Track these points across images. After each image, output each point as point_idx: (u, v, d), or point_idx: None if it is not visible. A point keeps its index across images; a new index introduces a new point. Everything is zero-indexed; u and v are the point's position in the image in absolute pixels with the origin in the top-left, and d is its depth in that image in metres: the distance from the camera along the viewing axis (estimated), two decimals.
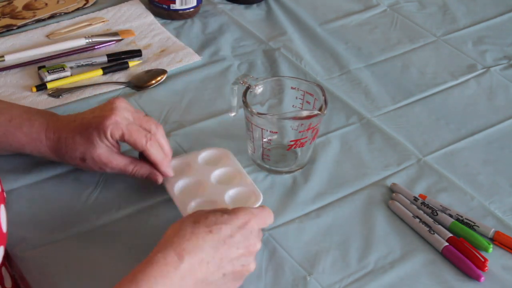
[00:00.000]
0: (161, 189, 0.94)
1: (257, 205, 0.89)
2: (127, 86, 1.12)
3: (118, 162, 0.91)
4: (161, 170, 0.91)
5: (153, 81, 1.13)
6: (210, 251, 0.75)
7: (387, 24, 1.33)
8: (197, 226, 0.76)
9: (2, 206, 0.78)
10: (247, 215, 0.79)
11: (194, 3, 1.25)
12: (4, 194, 0.82)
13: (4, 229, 0.78)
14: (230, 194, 0.90)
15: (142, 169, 0.92)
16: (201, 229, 0.75)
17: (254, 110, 0.94)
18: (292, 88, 1.00)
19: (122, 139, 0.88)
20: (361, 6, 1.37)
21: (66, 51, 1.18)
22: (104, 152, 0.89)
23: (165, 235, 0.76)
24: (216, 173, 0.94)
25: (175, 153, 0.99)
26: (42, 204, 0.92)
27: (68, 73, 1.12)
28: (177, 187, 0.92)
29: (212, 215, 0.77)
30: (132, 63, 1.16)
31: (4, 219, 0.78)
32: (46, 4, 1.29)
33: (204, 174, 0.94)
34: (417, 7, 1.38)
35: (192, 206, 0.88)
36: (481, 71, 1.22)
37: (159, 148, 0.90)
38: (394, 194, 0.96)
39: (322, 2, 1.38)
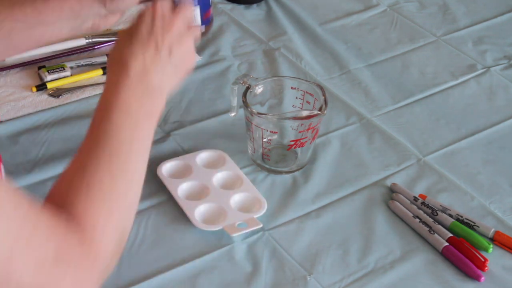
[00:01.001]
0: (162, 189, 0.94)
1: (262, 213, 0.91)
2: None
3: None
4: None
5: None
6: (142, 45, 0.78)
7: (387, 24, 1.33)
8: (120, 44, 0.79)
9: None
10: (149, 11, 0.81)
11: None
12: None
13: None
14: (235, 200, 0.92)
15: None
16: (123, 41, 0.79)
17: (254, 110, 0.94)
18: (292, 88, 1.00)
19: None
20: (361, 6, 1.37)
21: (66, 51, 1.18)
22: None
23: (107, 73, 0.79)
24: (218, 177, 0.95)
25: (175, 153, 0.99)
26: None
27: (68, 73, 1.12)
28: (180, 190, 0.93)
29: (128, 30, 0.80)
30: None
31: None
32: None
33: (205, 177, 0.95)
34: (417, 7, 1.38)
35: (200, 211, 0.90)
36: (481, 71, 1.22)
37: None
38: (394, 194, 0.96)
39: (322, 2, 1.38)
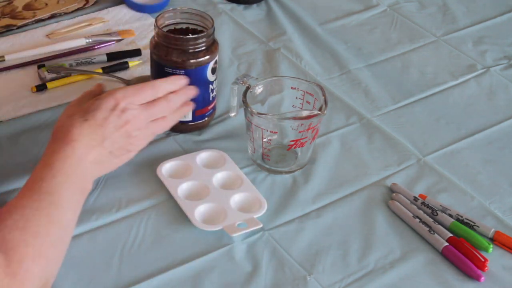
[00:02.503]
0: (162, 189, 0.94)
1: (262, 213, 0.90)
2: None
3: None
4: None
5: None
6: (91, 136, 0.84)
7: (387, 24, 1.33)
8: (73, 118, 0.85)
9: None
10: (113, 98, 0.87)
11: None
12: None
13: None
14: (235, 200, 0.92)
15: None
16: (77, 119, 0.85)
17: (254, 110, 0.94)
18: (292, 88, 1.00)
19: None
20: (361, 6, 1.37)
21: (66, 51, 1.18)
22: None
23: (52, 132, 0.86)
24: (218, 177, 0.95)
25: (175, 153, 0.99)
26: None
27: (67, 73, 1.12)
28: (180, 190, 0.93)
29: (86, 104, 0.87)
30: (132, 63, 1.16)
31: None
32: (46, 4, 1.29)
33: (205, 177, 0.95)
34: (417, 7, 1.38)
35: (200, 211, 0.90)
36: (481, 71, 1.22)
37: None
38: (394, 194, 0.96)
39: (322, 2, 1.38)
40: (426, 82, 1.18)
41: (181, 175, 0.95)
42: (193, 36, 0.98)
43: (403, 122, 1.09)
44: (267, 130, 0.95)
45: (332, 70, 1.20)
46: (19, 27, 1.23)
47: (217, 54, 1.00)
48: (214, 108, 1.05)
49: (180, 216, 0.90)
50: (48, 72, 1.11)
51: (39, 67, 1.13)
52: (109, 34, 1.23)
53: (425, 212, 0.93)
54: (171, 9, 1.02)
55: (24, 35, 1.22)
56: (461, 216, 0.92)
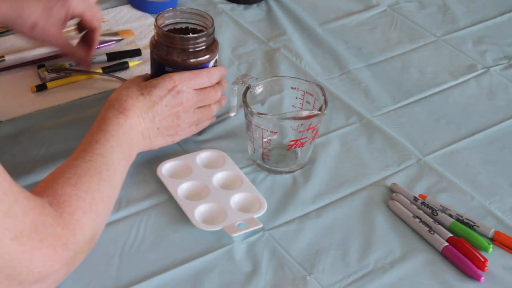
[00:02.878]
0: (162, 189, 0.94)
1: (262, 213, 0.90)
2: None
3: (63, 39, 1.04)
4: (89, 55, 1.08)
5: None
6: (144, 109, 0.91)
7: (387, 24, 1.33)
8: (130, 89, 0.92)
9: None
10: (172, 79, 0.94)
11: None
12: None
13: None
14: (235, 200, 0.92)
15: (80, 52, 1.07)
16: (134, 92, 0.92)
17: (254, 110, 0.94)
18: (292, 88, 1.00)
19: (81, 15, 1.03)
20: (361, 6, 1.37)
21: None
22: (56, 24, 1.01)
23: (108, 101, 0.92)
24: (218, 177, 0.95)
25: (175, 153, 0.99)
26: None
27: (67, 73, 1.12)
28: (180, 190, 0.93)
29: (145, 81, 0.94)
30: (132, 62, 1.16)
31: None
32: None
33: (205, 177, 0.95)
34: (417, 7, 1.38)
35: (200, 211, 0.90)
36: (481, 71, 1.22)
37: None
38: (394, 194, 0.96)
39: (322, 2, 1.38)
40: (426, 82, 1.18)
41: (181, 175, 0.95)
42: (193, 35, 0.98)
43: (403, 122, 1.09)
44: (267, 130, 0.95)
45: (332, 70, 1.20)
46: None
47: (217, 53, 1.00)
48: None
49: (180, 216, 0.90)
50: (48, 72, 1.11)
51: (39, 67, 1.13)
52: (109, 34, 1.23)
53: (425, 212, 0.93)
54: (170, 8, 1.02)
55: None
56: (461, 216, 0.92)
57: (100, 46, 1.20)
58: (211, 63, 0.99)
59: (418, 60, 1.24)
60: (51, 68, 1.12)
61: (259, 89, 0.99)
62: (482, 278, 0.85)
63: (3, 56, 1.15)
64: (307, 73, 1.18)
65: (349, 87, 1.16)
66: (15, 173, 0.95)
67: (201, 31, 1.00)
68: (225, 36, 1.26)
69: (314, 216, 0.93)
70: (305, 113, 0.93)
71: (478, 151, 1.05)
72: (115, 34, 1.23)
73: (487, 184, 0.99)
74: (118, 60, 1.16)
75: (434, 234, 0.90)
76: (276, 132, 0.97)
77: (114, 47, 1.20)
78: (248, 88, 0.97)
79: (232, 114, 1.03)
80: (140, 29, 1.25)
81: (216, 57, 1.00)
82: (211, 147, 1.00)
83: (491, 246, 0.89)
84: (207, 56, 0.98)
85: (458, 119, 1.11)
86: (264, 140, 0.97)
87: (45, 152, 0.99)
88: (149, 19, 1.28)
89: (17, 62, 1.14)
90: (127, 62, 1.15)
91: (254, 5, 1.35)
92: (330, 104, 0.97)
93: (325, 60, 1.22)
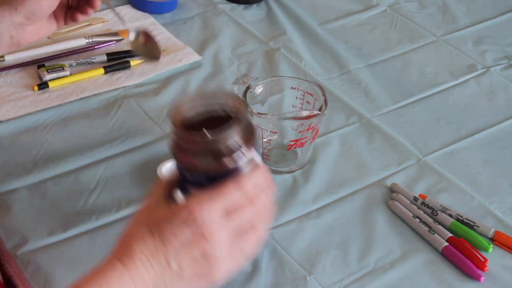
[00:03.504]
0: None
1: None
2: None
3: None
4: None
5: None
6: (153, 252, 0.66)
7: (387, 24, 1.33)
8: (140, 227, 0.68)
9: None
10: (187, 207, 0.68)
11: None
12: None
13: None
14: None
15: None
16: (142, 230, 0.68)
17: (254, 110, 0.94)
18: (292, 88, 1.00)
19: None
20: (361, 6, 1.37)
21: (66, 51, 1.18)
22: None
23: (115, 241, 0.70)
24: None
25: None
26: (42, 204, 0.92)
27: (67, 73, 1.12)
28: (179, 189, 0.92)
29: (159, 211, 0.69)
30: (134, 62, 1.16)
31: None
32: None
33: None
34: (417, 7, 1.38)
35: None
36: (481, 71, 1.22)
37: None
38: (394, 194, 0.96)
39: (322, 2, 1.38)
40: (426, 82, 1.18)
41: None
42: (224, 132, 0.66)
43: (403, 122, 1.09)
44: (267, 130, 0.95)
45: (332, 70, 1.20)
46: None
47: (255, 144, 0.70)
48: None
49: None
50: (48, 72, 1.11)
51: (39, 67, 1.13)
52: (109, 34, 1.23)
53: (425, 212, 0.93)
54: (186, 97, 0.73)
55: None
56: (461, 216, 0.92)
57: (100, 46, 1.20)
58: (246, 163, 0.68)
59: (418, 60, 1.24)
60: (51, 67, 1.12)
61: (259, 89, 0.99)
62: (482, 278, 0.85)
63: (3, 56, 1.15)
64: (307, 73, 1.18)
65: (349, 87, 1.16)
66: (15, 173, 0.95)
67: (228, 117, 0.70)
68: (225, 36, 1.26)
69: (314, 216, 0.93)
70: (305, 113, 0.93)
71: (478, 151, 1.05)
72: (115, 34, 1.23)
73: (487, 184, 0.99)
74: (117, 60, 1.16)
75: (434, 234, 0.90)
76: (276, 132, 0.97)
77: (114, 47, 1.20)
78: (248, 88, 0.97)
79: None
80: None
81: (254, 152, 0.69)
82: None
83: (491, 246, 0.89)
84: (237, 155, 0.68)
85: (458, 119, 1.11)
86: (264, 140, 0.97)
87: (45, 152, 0.99)
88: (149, 19, 1.28)
89: (17, 62, 1.14)
90: (128, 61, 1.15)
91: (254, 5, 1.35)
92: (330, 104, 0.97)
93: (325, 60, 1.22)
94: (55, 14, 0.98)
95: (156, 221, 0.68)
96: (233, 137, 0.67)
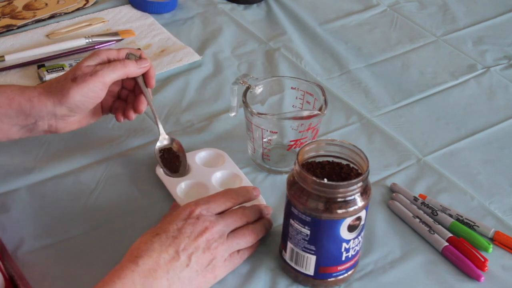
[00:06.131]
0: (161, 188, 0.94)
1: None
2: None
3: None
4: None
5: None
6: (163, 248, 0.76)
7: (387, 24, 1.33)
8: (146, 235, 0.78)
9: None
10: (186, 207, 0.81)
11: None
12: None
13: None
14: None
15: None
16: (148, 236, 0.78)
17: (254, 110, 0.94)
18: (292, 88, 1.00)
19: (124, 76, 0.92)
20: (361, 6, 1.37)
21: (66, 51, 1.18)
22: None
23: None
24: (217, 176, 0.95)
25: None
26: (42, 204, 0.92)
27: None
28: (179, 188, 0.93)
29: (161, 224, 0.80)
30: None
31: None
32: (46, 4, 1.29)
33: (204, 176, 0.94)
34: (417, 7, 1.38)
35: None
36: (481, 71, 1.22)
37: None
38: (394, 194, 0.96)
39: (322, 2, 1.38)
40: (426, 82, 1.18)
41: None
42: (346, 182, 0.77)
43: (403, 122, 1.09)
44: (267, 130, 0.95)
45: (332, 70, 1.20)
46: (19, 27, 1.23)
47: (368, 203, 0.80)
48: (348, 270, 0.83)
49: None
50: (48, 72, 1.11)
51: (39, 67, 1.13)
52: (109, 34, 1.23)
53: (425, 212, 0.93)
54: (315, 140, 0.86)
55: (24, 35, 1.22)
56: (461, 216, 0.92)
57: (100, 46, 1.20)
58: (348, 220, 0.78)
59: (418, 60, 1.24)
60: (50, 67, 1.12)
61: (259, 89, 0.99)
62: (482, 278, 0.85)
63: (3, 56, 1.15)
64: (307, 73, 1.18)
65: (349, 87, 1.16)
66: (15, 173, 0.95)
67: (349, 169, 0.82)
68: (225, 36, 1.26)
69: None
70: (305, 113, 0.93)
71: (478, 151, 1.05)
72: (115, 34, 1.23)
73: (487, 184, 0.99)
74: None
75: (434, 234, 0.90)
76: (276, 132, 0.97)
77: (114, 47, 1.20)
78: (248, 88, 0.97)
79: (232, 114, 1.03)
80: (140, 29, 1.25)
81: (362, 212, 0.79)
82: (211, 147, 1.00)
83: (491, 246, 0.89)
84: (343, 210, 0.78)
85: (458, 119, 1.11)
86: (264, 140, 0.97)
87: (45, 152, 0.99)
88: (149, 19, 1.28)
89: (17, 62, 1.15)
90: None
91: (254, 5, 1.35)
92: (330, 104, 0.97)
93: (325, 60, 1.22)
94: (102, 104, 0.96)
95: (161, 224, 0.79)
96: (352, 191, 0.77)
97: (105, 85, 0.91)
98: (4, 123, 0.89)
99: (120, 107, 0.97)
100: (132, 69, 0.93)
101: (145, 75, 0.95)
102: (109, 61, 0.93)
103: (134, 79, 0.95)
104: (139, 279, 0.73)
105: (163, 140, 0.97)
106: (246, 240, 0.83)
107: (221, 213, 0.83)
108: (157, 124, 0.97)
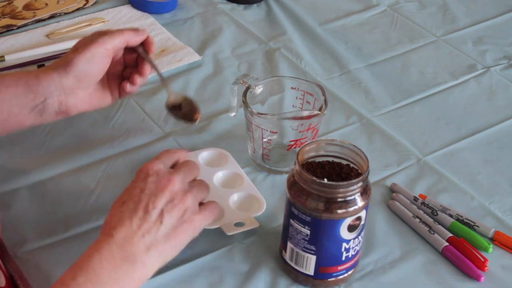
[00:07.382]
0: None
1: (261, 213, 0.90)
2: None
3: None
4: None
5: None
6: (131, 213, 0.75)
7: (387, 24, 1.33)
8: (113, 207, 0.78)
9: None
10: (140, 171, 0.79)
11: None
12: None
13: None
14: (234, 199, 0.92)
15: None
16: (115, 206, 0.77)
17: (254, 110, 0.94)
18: (292, 88, 1.00)
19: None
20: (361, 6, 1.37)
21: (66, 51, 1.18)
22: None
23: None
24: (218, 175, 0.95)
25: None
26: (42, 204, 0.92)
27: None
28: None
29: (124, 192, 0.79)
30: None
31: None
32: (46, 4, 1.29)
33: (206, 176, 0.94)
34: (417, 7, 1.38)
35: None
36: (481, 71, 1.22)
37: None
38: (394, 194, 0.96)
39: (322, 2, 1.38)
40: (426, 82, 1.18)
41: None
42: (345, 182, 0.78)
43: (403, 122, 1.09)
44: (267, 130, 0.95)
45: (332, 70, 1.20)
46: (19, 27, 1.23)
47: (367, 203, 0.81)
48: (348, 270, 0.83)
49: None
50: None
51: (39, 67, 1.13)
52: None
53: (425, 212, 0.93)
54: (314, 140, 0.87)
55: (24, 35, 1.22)
56: (461, 216, 0.92)
57: None
58: (348, 220, 0.79)
59: (418, 60, 1.24)
60: None
61: (259, 89, 0.99)
62: (482, 278, 0.85)
63: (3, 56, 1.15)
64: (307, 73, 1.18)
65: (349, 87, 1.16)
66: (15, 173, 0.95)
67: (349, 169, 0.82)
68: (225, 36, 1.26)
69: None
70: (305, 113, 0.93)
71: (478, 151, 1.05)
72: None
73: (487, 184, 0.99)
74: None
75: (434, 234, 0.90)
76: (276, 132, 0.97)
77: None
78: (248, 88, 0.97)
79: (232, 114, 1.03)
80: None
81: (362, 212, 0.80)
82: (211, 147, 1.00)
83: (491, 246, 0.89)
84: (343, 210, 0.78)
85: (458, 119, 1.11)
86: (264, 140, 0.97)
87: (45, 152, 0.99)
88: (149, 19, 1.28)
89: (17, 62, 1.15)
90: None
91: (254, 5, 1.35)
92: (330, 104, 0.97)
93: (325, 60, 1.22)
94: (109, 85, 0.95)
95: (124, 193, 0.78)
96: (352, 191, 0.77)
97: (107, 51, 0.91)
98: (14, 106, 0.87)
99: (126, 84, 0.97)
100: (131, 35, 0.93)
101: (144, 43, 0.95)
102: None
103: (135, 51, 0.95)
104: (116, 249, 0.73)
105: (171, 97, 0.97)
106: (206, 188, 0.82)
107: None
108: (166, 86, 0.97)
